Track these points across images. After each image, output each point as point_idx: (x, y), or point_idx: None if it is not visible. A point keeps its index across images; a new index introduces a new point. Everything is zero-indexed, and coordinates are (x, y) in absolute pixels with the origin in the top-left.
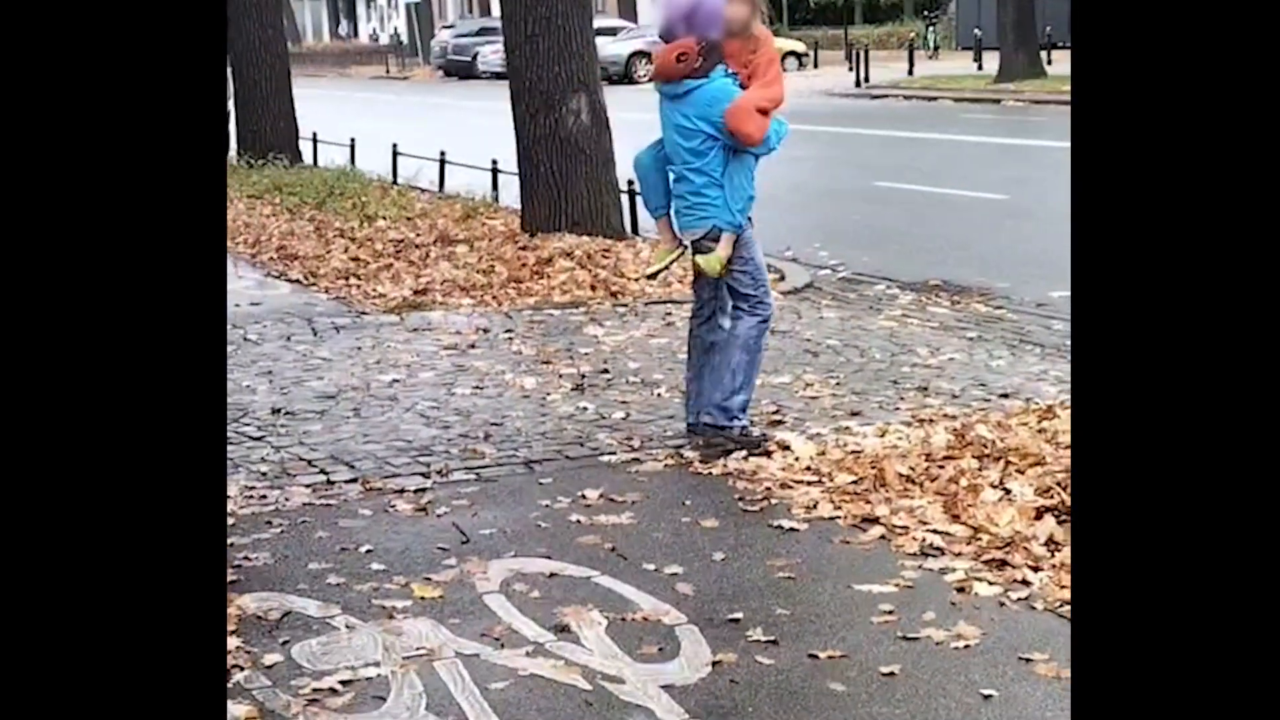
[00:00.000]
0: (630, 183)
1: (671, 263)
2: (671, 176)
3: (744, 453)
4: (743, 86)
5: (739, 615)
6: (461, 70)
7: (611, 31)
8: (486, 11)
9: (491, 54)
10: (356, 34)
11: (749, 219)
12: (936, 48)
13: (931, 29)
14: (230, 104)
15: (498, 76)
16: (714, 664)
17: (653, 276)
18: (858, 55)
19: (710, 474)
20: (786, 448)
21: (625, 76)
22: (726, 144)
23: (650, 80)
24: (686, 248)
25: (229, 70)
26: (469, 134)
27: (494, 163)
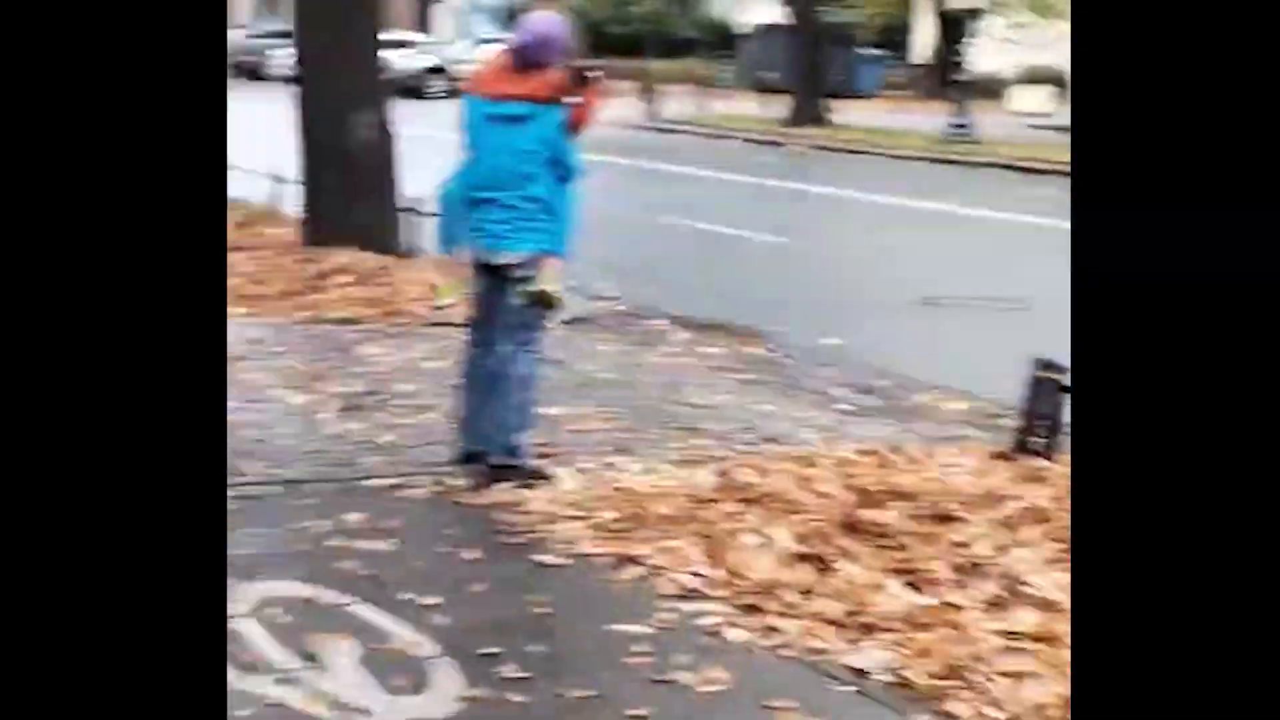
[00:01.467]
0: (415, 201)
1: (460, 297)
2: (483, 200)
3: (511, 484)
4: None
5: (495, 650)
6: (251, 70)
7: (402, 44)
8: (278, 12)
9: (283, 57)
10: None
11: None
12: (728, 87)
13: (722, 68)
14: None
15: (288, 81)
16: (465, 699)
17: (443, 306)
18: (650, 89)
19: (474, 504)
20: (553, 481)
21: (415, 91)
22: (556, 171)
23: (486, 98)
24: (467, 283)
25: None
26: (253, 138)
27: (276, 171)
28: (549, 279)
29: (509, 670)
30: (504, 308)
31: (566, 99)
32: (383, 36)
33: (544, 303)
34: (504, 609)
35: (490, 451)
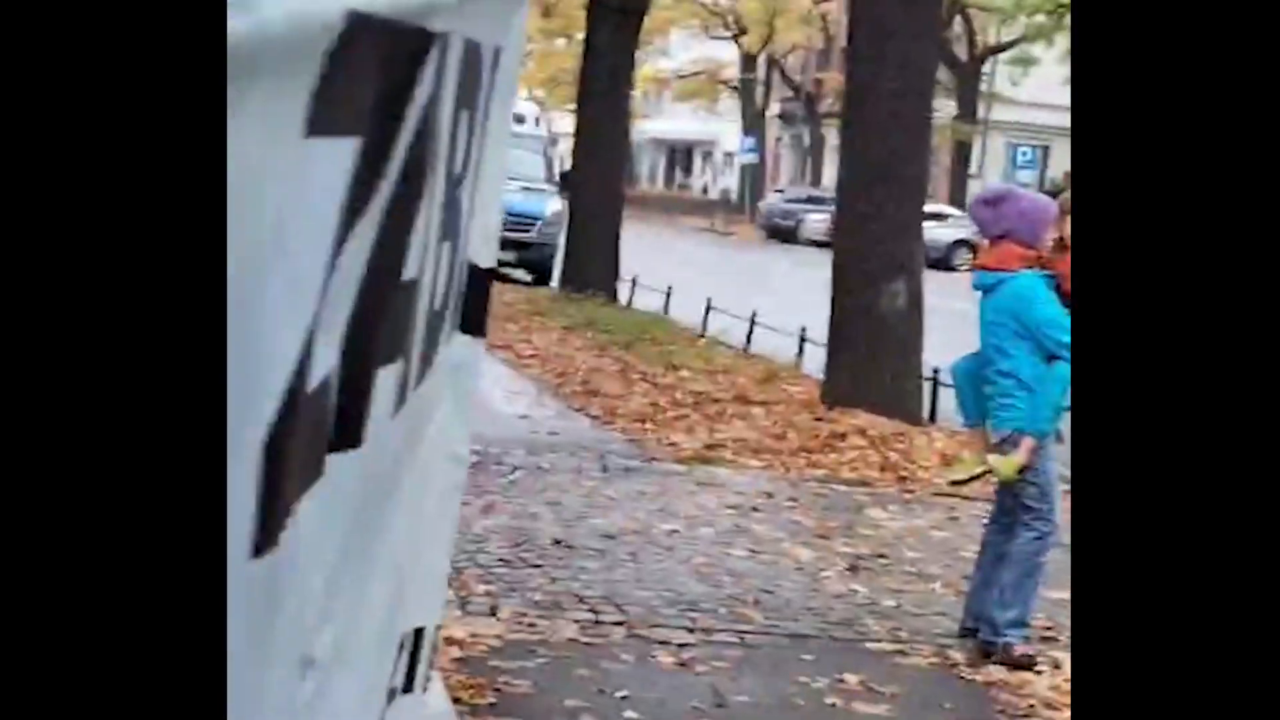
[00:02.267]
0: (936, 370)
1: (978, 476)
2: (986, 375)
3: (1004, 665)
4: (1058, 289)
5: None
6: (784, 234)
7: (938, 217)
8: (817, 181)
9: (816, 221)
10: (689, 186)
11: (1057, 431)
12: None
13: None
14: (562, 236)
15: (818, 244)
16: None
17: (955, 484)
18: None
19: (974, 680)
20: (1057, 667)
21: (943, 263)
22: (1034, 344)
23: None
24: (989, 467)
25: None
26: (782, 297)
27: (803, 330)
28: (1011, 456)
29: None
30: (1019, 486)
31: (1043, 268)
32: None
33: (1000, 478)
34: None
35: (981, 628)
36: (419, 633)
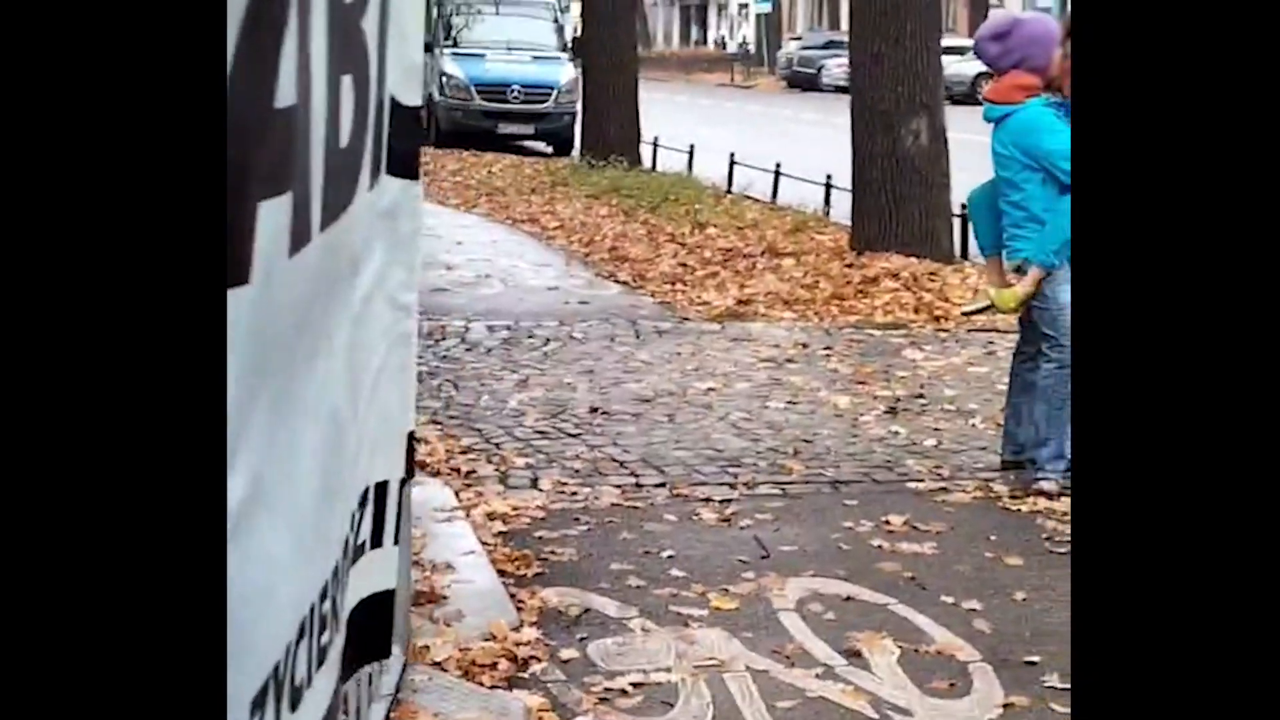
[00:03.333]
0: (964, 206)
1: (988, 306)
2: (1000, 207)
3: (1046, 494)
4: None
5: (1036, 658)
6: (805, 82)
7: (959, 50)
8: (835, 25)
9: (836, 67)
10: (705, 41)
11: (1066, 260)
12: None
13: None
14: (579, 105)
15: (841, 90)
16: (1005, 706)
17: (969, 314)
18: None
19: (1019, 511)
20: None
21: (970, 96)
22: (1045, 175)
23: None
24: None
25: (581, 72)
26: (806, 146)
27: (828, 178)
28: (1015, 287)
29: (1052, 680)
30: (1033, 315)
31: (1048, 97)
32: (941, 43)
33: (1002, 309)
34: (1048, 617)
35: (1022, 461)
36: (382, 487)
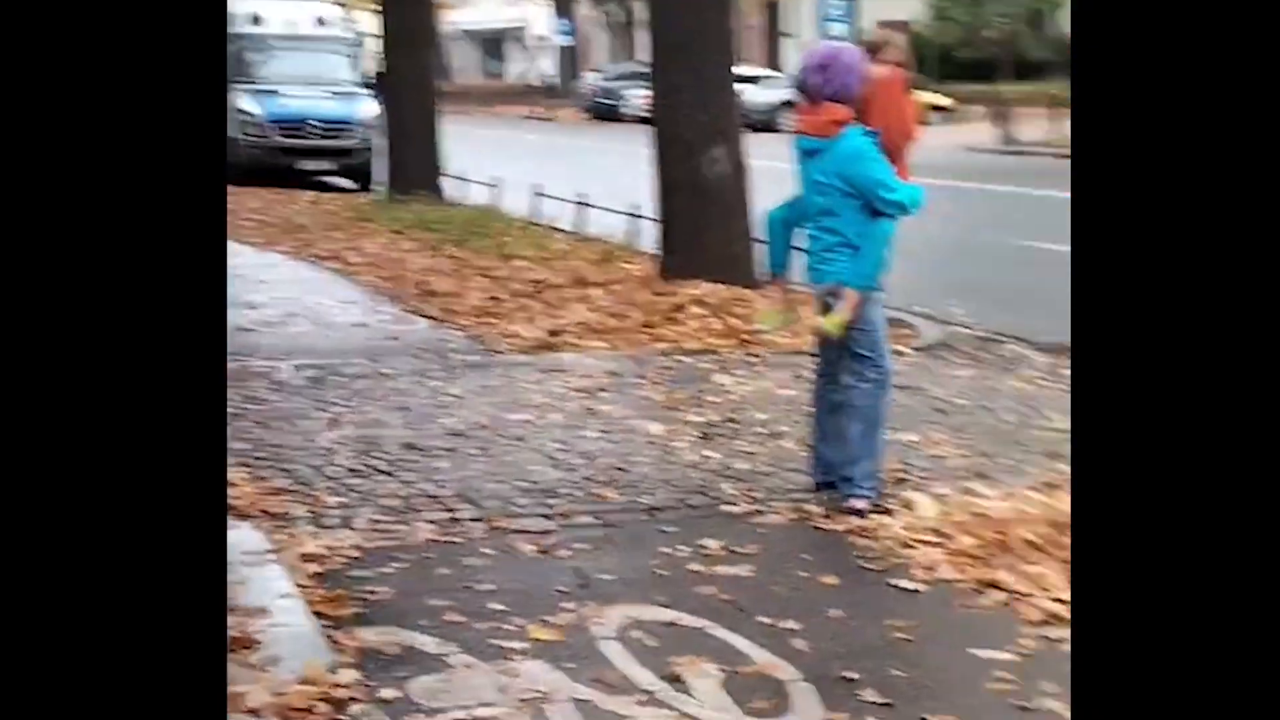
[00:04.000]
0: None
1: (782, 326)
2: (808, 232)
3: (857, 515)
4: (886, 150)
5: (854, 675)
6: (607, 113)
7: (754, 80)
8: (634, 56)
9: (637, 98)
10: (504, 74)
11: (878, 284)
12: None
13: None
14: (378, 139)
15: (643, 120)
16: None
17: (764, 331)
18: (1003, 112)
19: (832, 530)
20: (910, 507)
21: (767, 125)
22: (861, 203)
23: (797, 133)
24: (797, 318)
25: (381, 105)
26: (611, 177)
27: (635, 207)
28: (835, 312)
29: (869, 695)
30: (850, 337)
31: (867, 127)
32: (735, 72)
33: (831, 335)
34: (863, 634)
35: (834, 481)
36: None
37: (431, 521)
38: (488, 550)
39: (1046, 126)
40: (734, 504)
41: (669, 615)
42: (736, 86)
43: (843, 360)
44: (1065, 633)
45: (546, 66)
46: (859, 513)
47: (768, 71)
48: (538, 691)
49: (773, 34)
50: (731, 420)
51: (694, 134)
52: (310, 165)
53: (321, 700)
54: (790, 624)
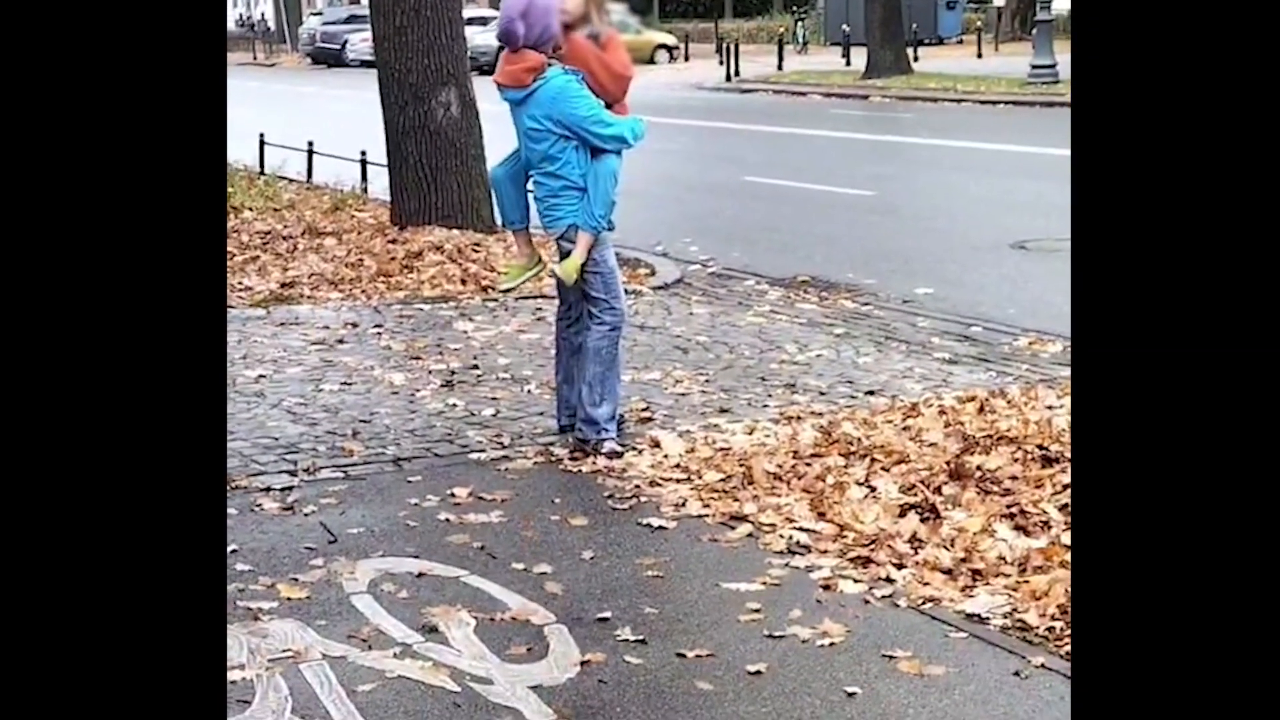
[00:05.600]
0: None
1: (526, 279)
2: (534, 180)
3: (602, 455)
4: (601, 89)
5: (608, 614)
6: (330, 58)
7: (482, 21)
8: (356, 0)
9: (360, 42)
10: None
11: (610, 222)
12: (805, 43)
13: (801, 24)
14: None
15: (367, 65)
16: (582, 664)
17: (506, 291)
18: (728, 49)
19: (580, 472)
20: (656, 445)
21: (496, 67)
22: (581, 143)
23: (500, 86)
24: (541, 265)
25: None
26: (338, 123)
27: (363, 154)
28: (571, 256)
29: (624, 633)
30: (585, 280)
31: (570, 69)
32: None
33: (567, 281)
34: (615, 573)
35: (576, 424)
36: None
37: None
38: (231, 510)
39: (771, 62)
40: (481, 451)
41: (420, 566)
42: (465, 29)
43: (582, 303)
44: (810, 561)
45: (265, 11)
46: (608, 454)
47: (493, 13)
48: (290, 651)
49: None
50: (474, 367)
51: (421, 77)
52: None
53: None
54: (543, 568)
